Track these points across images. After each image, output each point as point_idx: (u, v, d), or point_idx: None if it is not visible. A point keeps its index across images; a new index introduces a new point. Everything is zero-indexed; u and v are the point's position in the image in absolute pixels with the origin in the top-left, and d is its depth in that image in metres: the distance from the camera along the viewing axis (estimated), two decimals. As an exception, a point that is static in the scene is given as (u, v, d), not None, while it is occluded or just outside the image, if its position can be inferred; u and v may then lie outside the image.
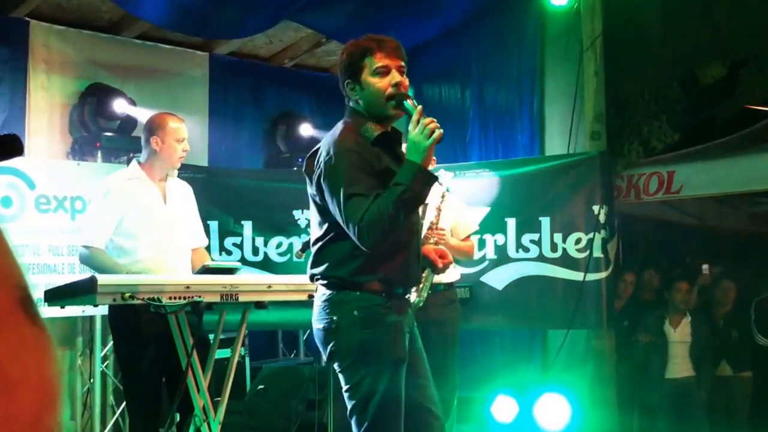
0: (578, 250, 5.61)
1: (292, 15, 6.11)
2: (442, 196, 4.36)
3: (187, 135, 4.04)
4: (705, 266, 6.69)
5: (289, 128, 7.21)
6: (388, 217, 2.58)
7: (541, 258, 5.69)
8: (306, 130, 7.18)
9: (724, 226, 8.41)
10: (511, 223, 5.76)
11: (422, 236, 3.35)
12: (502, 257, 5.77)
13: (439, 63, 6.83)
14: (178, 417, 3.71)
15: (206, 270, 3.68)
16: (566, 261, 5.63)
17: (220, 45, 6.92)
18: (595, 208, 5.59)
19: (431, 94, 6.88)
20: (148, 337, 3.76)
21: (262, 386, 5.86)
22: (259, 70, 7.31)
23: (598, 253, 5.56)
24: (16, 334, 0.59)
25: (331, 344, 2.74)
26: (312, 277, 2.84)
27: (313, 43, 7.13)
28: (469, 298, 5.64)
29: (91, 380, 5.77)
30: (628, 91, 6.19)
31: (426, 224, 4.17)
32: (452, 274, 4.51)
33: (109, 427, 5.83)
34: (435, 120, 2.66)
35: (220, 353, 4.01)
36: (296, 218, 5.97)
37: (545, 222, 5.68)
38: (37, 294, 3.68)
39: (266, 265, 5.88)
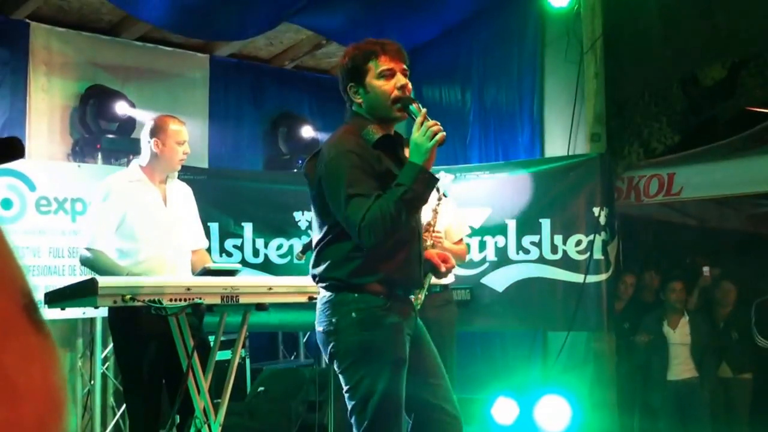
0: (579, 252, 5.61)
1: (292, 17, 6.11)
2: (439, 199, 4.37)
3: (188, 137, 4.05)
4: (705, 268, 6.68)
5: (290, 130, 7.21)
6: (389, 217, 2.58)
7: (541, 260, 5.69)
8: (306, 131, 7.18)
9: (725, 228, 8.40)
10: (512, 224, 5.76)
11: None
12: (503, 259, 5.77)
13: (440, 64, 6.83)
14: (178, 419, 3.70)
15: (207, 272, 3.68)
16: (567, 263, 5.63)
17: (221, 47, 6.92)
18: (596, 209, 5.60)
19: (431, 96, 6.88)
20: (148, 338, 3.76)
21: (262, 388, 5.86)
22: (259, 71, 7.31)
23: (598, 254, 5.56)
24: (22, 342, 0.59)
25: (331, 345, 2.75)
26: (314, 278, 2.86)
27: (313, 45, 7.13)
28: (470, 299, 5.65)
29: (92, 382, 5.77)
30: (629, 92, 6.18)
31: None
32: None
33: (109, 428, 5.83)
34: (439, 123, 2.67)
35: (221, 355, 4.00)
36: (297, 220, 5.97)
37: (545, 224, 5.68)
38: (38, 296, 3.68)
39: (267, 266, 5.88)
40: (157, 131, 3.96)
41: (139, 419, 3.89)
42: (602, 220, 5.58)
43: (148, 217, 3.90)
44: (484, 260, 5.79)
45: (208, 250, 4.46)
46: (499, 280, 5.76)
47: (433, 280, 4.05)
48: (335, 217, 2.71)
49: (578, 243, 5.62)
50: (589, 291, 5.53)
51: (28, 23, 5.86)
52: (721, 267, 7.12)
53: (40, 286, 4.99)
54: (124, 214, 3.86)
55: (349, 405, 2.75)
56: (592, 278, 5.55)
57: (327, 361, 2.84)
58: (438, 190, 4.34)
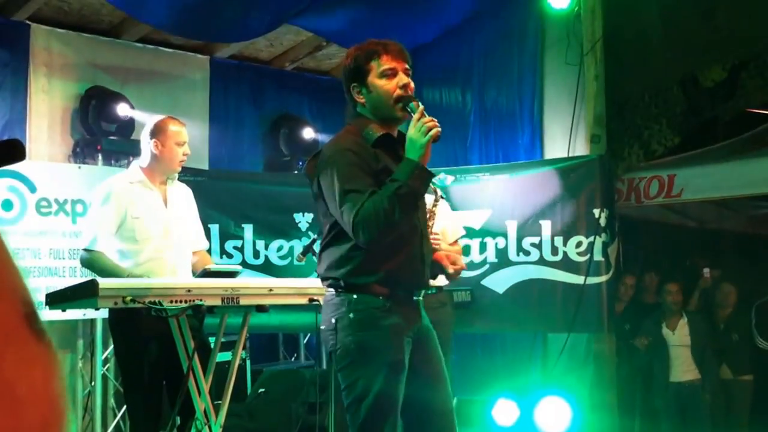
0: (579, 254, 5.61)
1: (292, 18, 6.12)
2: (436, 200, 4.36)
3: (188, 139, 4.05)
4: (706, 269, 6.68)
5: (290, 131, 7.21)
6: (383, 213, 2.58)
7: (541, 261, 5.69)
8: (307, 133, 7.19)
9: (725, 229, 8.40)
10: (512, 226, 5.76)
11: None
12: (503, 260, 5.77)
13: (440, 66, 6.83)
14: (179, 420, 3.71)
15: (207, 273, 3.68)
16: (567, 264, 5.63)
17: (221, 48, 6.92)
18: (596, 211, 5.59)
19: (432, 97, 6.87)
20: (148, 340, 3.76)
21: (262, 389, 5.86)
22: (259, 73, 7.32)
23: (598, 256, 5.56)
24: (23, 351, 0.59)
25: (330, 345, 2.78)
26: (319, 278, 2.89)
27: (314, 46, 7.13)
28: (470, 301, 5.65)
29: (92, 383, 5.77)
30: (629, 93, 6.18)
31: None
32: (441, 277, 4.51)
33: (110, 429, 5.83)
34: (435, 120, 2.69)
35: (221, 356, 4.01)
36: (297, 221, 5.97)
37: (546, 225, 5.68)
38: (39, 298, 3.69)
39: (267, 268, 5.88)
40: (156, 132, 3.96)
41: (139, 420, 3.89)
42: (602, 222, 5.58)
43: (149, 219, 3.90)
44: (484, 262, 5.79)
45: (209, 251, 4.47)
46: (500, 282, 5.76)
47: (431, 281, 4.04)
48: (335, 217, 2.73)
49: (578, 244, 5.62)
50: (589, 292, 5.53)
51: (28, 24, 5.86)
52: (721, 268, 7.12)
53: (40, 287, 4.99)
54: (124, 216, 3.86)
55: (345, 403, 2.78)
56: (592, 280, 5.55)
57: (327, 359, 2.87)
58: (435, 191, 4.35)
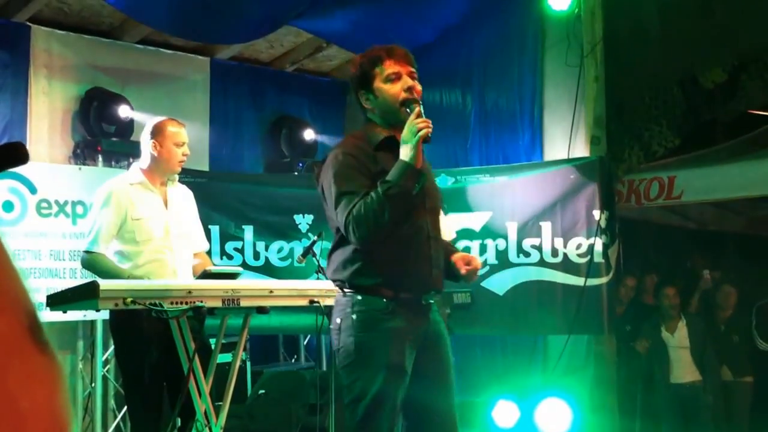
0: (579, 255, 5.60)
1: (292, 20, 6.12)
2: None
3: (187, 139, 4.05)
4: (706, 271, 6.67)
5: (290, 132, 7.21)
6: (372, 213, 2.62)
7: (542, 263, 5.68)
8: (306, 134, 7.18)
9: (725, 231, 8.40)
10: (512, 227, 5.76)
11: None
12: (503, 262, 5.77)
13: (440, 67, 6.82)
14: (179, 421, 3.70)
15: (208, 275, 3.68)
16: (567, 266, 5.63)
17: (221, 49, 6.92)
18: (596, 212, 5.59)
19: (432, 99, 6.86)
20: (149, 341, 3.76)
21: (263, 391, 5.85)
22: (259, 74, 7.32)
23: (599, 258, 5.56)
24: (26, 364, 0.59)
25: (334, 344, 2.84)
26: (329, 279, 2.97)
27: (314, 48, 7.13)
28: (470, 303, 5.64)
29: (93, 384, 5.77)
30: (629, 95, 6.18)
31: None
32: None
33: (110, 431, 5.83)
34: (429, 121, 2.71)
35: (222, 358, 4.00)
36: (297, 223, 5.97)
37: (546, 227, 5.68)
38: (39, 299, 3.68)
39: (267, 269, 5.88)
40: (155, 133, 3.97)
41: (139, 422, 3.90)
42: (603, 224, 5.57)
43: (149, 220, 3.90)
44: (484, 263, 5.78)
45: (209, 253, 4.47)
46: (500, 284, 5.76)
47: None
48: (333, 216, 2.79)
49: (579, 246, 5.61)
50: (589, 294, 5.52)
51: (28, 26, 5.86)
52: (721, 270, 7.12)
53: (41, 288, 4.99)
54: (125, 218, 3.86)
55: (345, 402, 2.83)
56: (592, 281, 5.54)
57: (333, 358, 2.92)
58: None
